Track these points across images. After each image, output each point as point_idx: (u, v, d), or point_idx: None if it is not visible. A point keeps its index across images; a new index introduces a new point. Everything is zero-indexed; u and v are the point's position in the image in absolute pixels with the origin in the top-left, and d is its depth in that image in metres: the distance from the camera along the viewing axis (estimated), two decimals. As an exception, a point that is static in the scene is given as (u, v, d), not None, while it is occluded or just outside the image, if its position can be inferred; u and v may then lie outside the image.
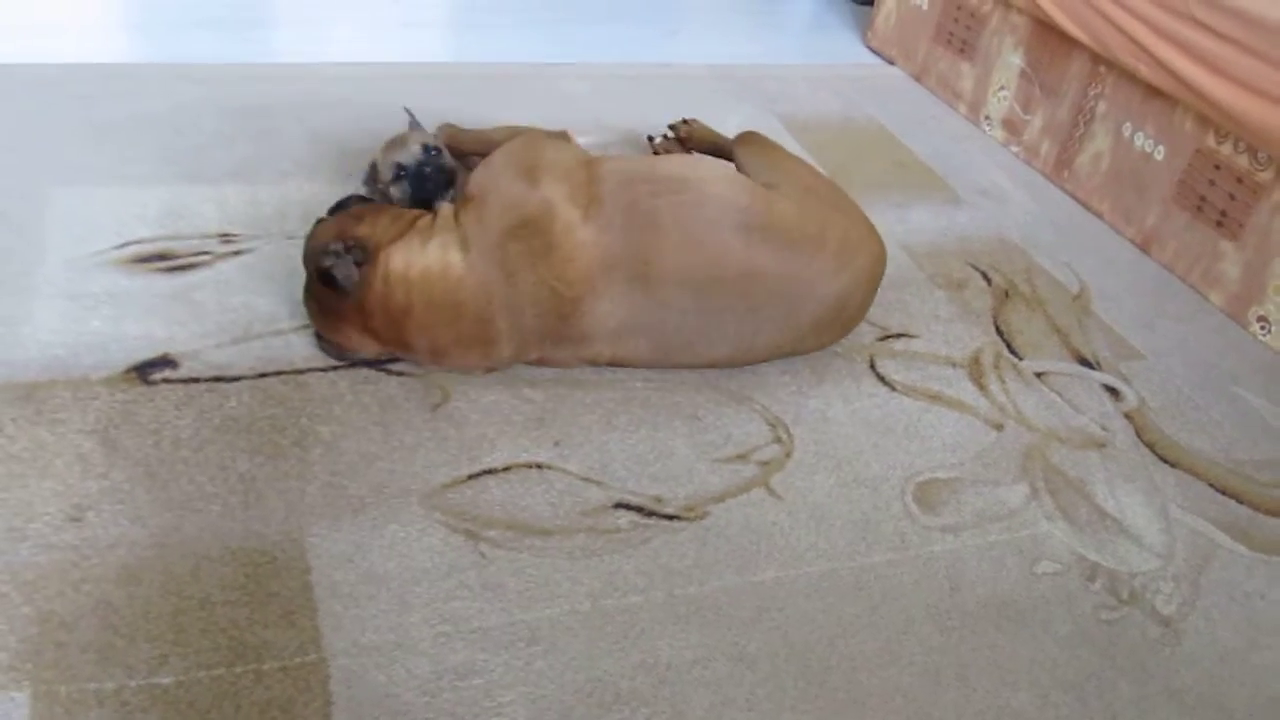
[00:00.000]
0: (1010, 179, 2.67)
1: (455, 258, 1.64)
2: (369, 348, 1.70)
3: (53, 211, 1.98)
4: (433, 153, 1.97)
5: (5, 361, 1.63)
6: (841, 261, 1.77)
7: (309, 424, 1.60)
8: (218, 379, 1.66)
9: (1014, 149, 2.79)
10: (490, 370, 1.74)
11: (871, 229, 1.87)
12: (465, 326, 1.66)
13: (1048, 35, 2.64)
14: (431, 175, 1.95)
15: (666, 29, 3.35)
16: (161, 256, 1.91)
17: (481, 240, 1.65)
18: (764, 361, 1.85)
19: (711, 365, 1.81)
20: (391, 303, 1.63)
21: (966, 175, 2.65)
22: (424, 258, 1.64)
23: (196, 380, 1.65)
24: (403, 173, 1.96)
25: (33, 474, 1.45)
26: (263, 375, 1.67)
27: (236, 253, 1.94)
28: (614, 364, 1.78)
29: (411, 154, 1.97)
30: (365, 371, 1.71)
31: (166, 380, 1.64)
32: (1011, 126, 2.80)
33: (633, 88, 2.82)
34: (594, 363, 1.76)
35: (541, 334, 1.69)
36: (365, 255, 1.63)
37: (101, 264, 1.87)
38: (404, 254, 1.65)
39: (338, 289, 1.63)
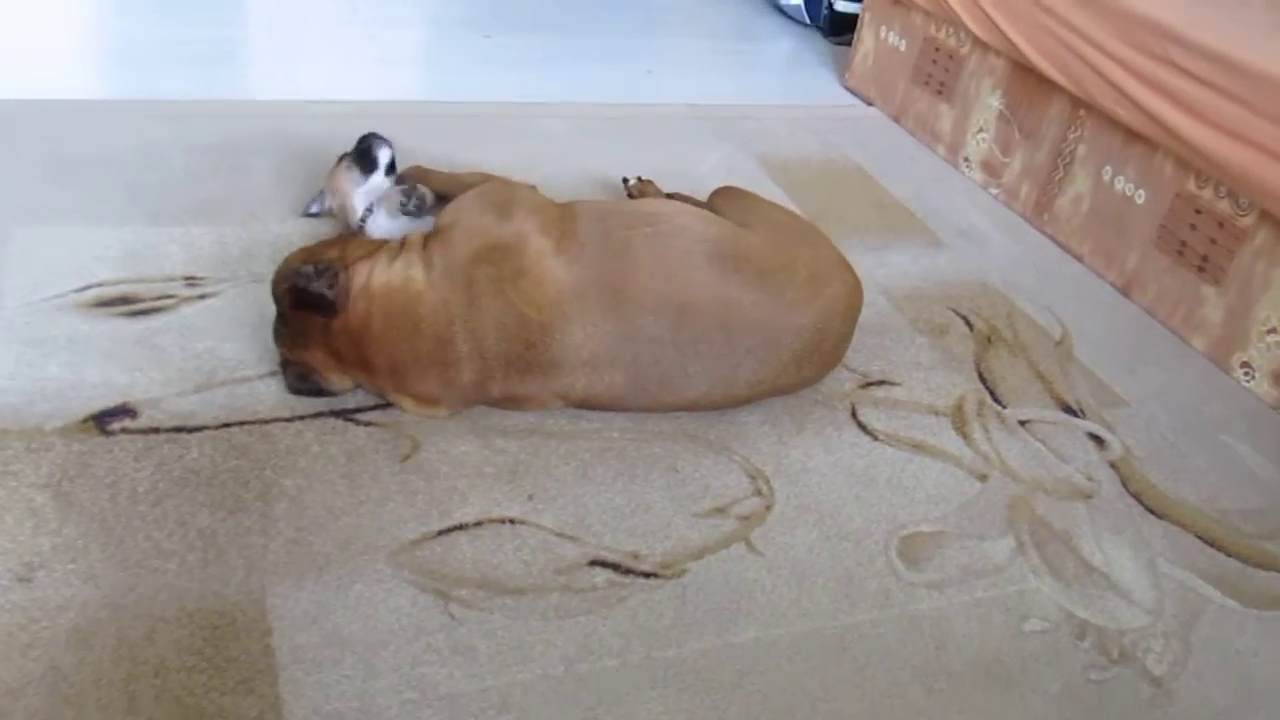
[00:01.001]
0: (990, 221, 2.65)
1: (418, 274, 1.65)
2: (336, 376, 1.66)
3: (12, 251, 1.93)
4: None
5: (-44, 411, 1.57)
6: (813, 290, 1.76)
7: (273, 476, 1.54)
8: (179, 429, 1.60)
9: (993, 191, 2.77)
10: (454, 407, 1.69)
11: (843, 261, 1.88)
12: (424, 344, 1.62)
13: (1026, 78, 2.63)
14: (365, 143, 2.06)
15: (643, 68, 3.33)
16: (124, 300, 1.85)
17: (446, 262, 1.66)
18: (747, 402, 1.80)
19: (693, 406, 1.76)
20: (353, 316, 1.62)
21: (946, 217, 2.62)
22: (386, 273, 1.65)
23: (157, 430, 1.59)
24: (346, 156, 2.05)
25: (-19, 531, 1.39)
26: (226, 425, 1.62)
27: (202, 296, 1.89)
28: (588, 403, 1.72)
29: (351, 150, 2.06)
30: (332, 421, 1.66)
31: (125, 430, 1.58)
32: (991, 168, 2.78)
33: (610, 128, 2.78)
34: (566, 398, 1.71)
35: (507, 361, 1.64)
36: (335, 277, 1.62)
37: (61, 307, 1.81)
38: (367, 269, 1.66)
39: (310, 308, 1.62)
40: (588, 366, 1.66)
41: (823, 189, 2.65)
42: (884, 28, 3.15)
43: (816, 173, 2.74)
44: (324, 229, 2.09)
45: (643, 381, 1.70)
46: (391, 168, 2.04)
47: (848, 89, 3.33)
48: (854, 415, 1.88)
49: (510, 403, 1.71)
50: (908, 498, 1.72)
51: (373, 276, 1.65)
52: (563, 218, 1.75)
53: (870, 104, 3.23)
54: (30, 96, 2.49)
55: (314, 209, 2.12)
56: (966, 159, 2.86)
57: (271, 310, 1.71)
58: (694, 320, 1.67)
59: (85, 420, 1.58)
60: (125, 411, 1.61)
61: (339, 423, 1.66)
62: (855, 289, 1.86)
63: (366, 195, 2.00)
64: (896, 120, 3.12)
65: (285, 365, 1.70)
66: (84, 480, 1.48)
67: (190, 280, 1.93)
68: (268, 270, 1.95)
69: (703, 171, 2.35)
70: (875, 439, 1.83)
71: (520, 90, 2.97)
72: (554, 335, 1.63)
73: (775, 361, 1.74)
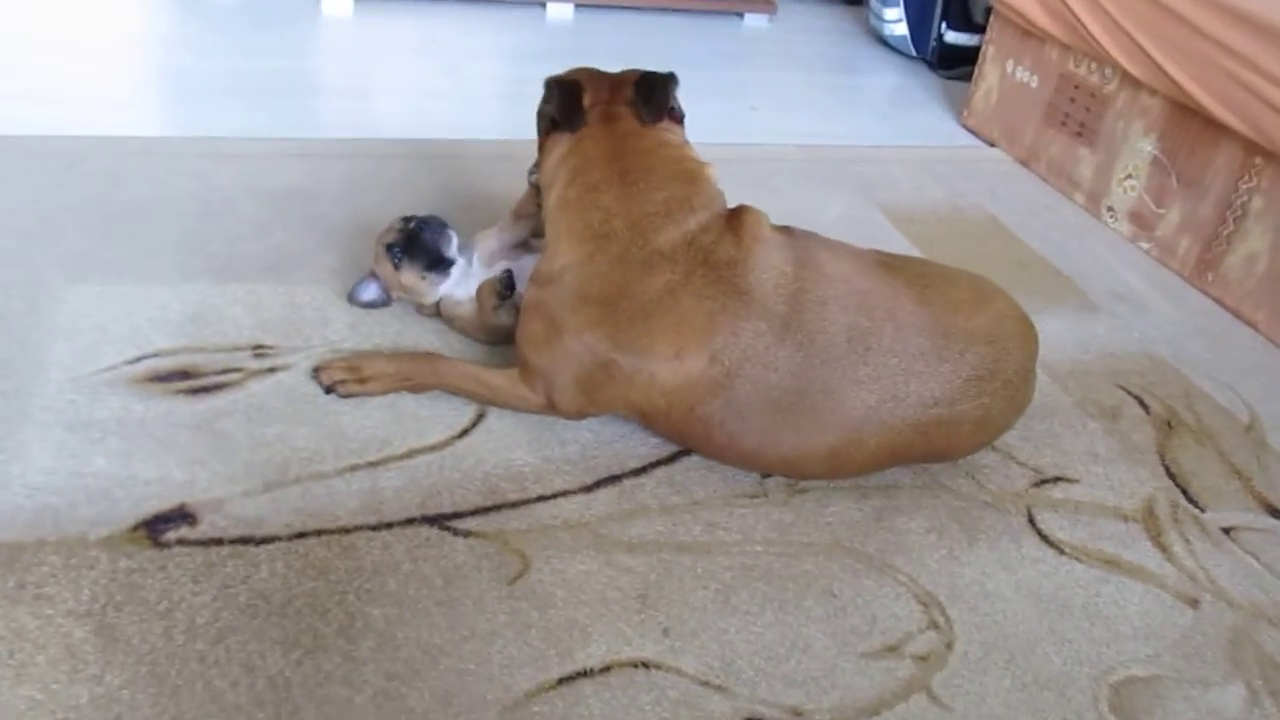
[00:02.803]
0: (1146, 281, 2.35)
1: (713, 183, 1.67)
2: (549, 156, 1.65)
3: (60, 314, 1.69)
4: (412, 221, 1.77)
5: (-15, 514, 1.32)
6: (979, 299, 1.58)
7: (357, 604, 1.28)
8: (245, 539, 1.34)
9: (1144, 245, 2.47)
10: (553, 290, 1.53)
11: (1005, 292, 1.65)
12: (628, 182, 1.58)
13: (1187, 120, 2.34)
14: (423, 233, 1.75)
15: (741, 104, 3.06)
16: (183, 374, 1.61)
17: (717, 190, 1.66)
18: (913, 438, 1.49)
19: (855, 431, 1.47)
20: (621, 128, 1.66)
21: (1096, 277, 2.33)
22: (678, 148, 1.71)
23: (219, 541, 1.33)
24: (396, 249, 1.74)
25: (6, 677, 1.13)
26: (300, 535, 1.36)
27: (271, 369, 1.64)
28: (720, 404, 1.46)
29: (395, 231, 1.77)
30: (425, 530, 1.39)
31: (182, 541, 1.32)
32: (1140, 220, 2.48)
33: (720, 172, 2.51)
34: (704, 383, 1.45)
35: (685, 267, 1.50)
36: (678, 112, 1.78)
37: (112, 382, 1.57)
38: (696, 158, 1.72)
39: (654, 90, 1.74)
40: (744, 339, 1.45)
41: (957, 243, 2.36)
42: (1010, 62, 2.86)
43: (947, 225, 2.45)
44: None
45: (808, 370, 1.45)
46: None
47: (966, 128, 3.05)
48: (1031, 521, 1.59)
49: (606, 367, 1.49)
50: (1110, 631, 1.42)
51: (677, 138, 1.74)
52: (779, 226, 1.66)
53: (993, 145, 2.94)
54: (82, 133, 2.28)
55: (366, 296, 1.81)
56: (1110, 209, 2.56)
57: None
58: (866, 315, 1.49)
59: (135, 528, 1.33)
60: (182, 516, 1.36)
61: (434, 532, 1.39)
62: (1025, 318, 1.62)
63: (455, 284, 1.76)
64: (1025, 164, 2.83)
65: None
66: (132, 608, 1.23)
67: (258, 350, 1.68)
68: (345, 337, 1.72)
69: (825, 223, 2.08)
70: (1061, 553, 1.54)
71: (612, 128, 2.71)
72: (747, 265, 1.50)
73: (951, 376, 1.49)
